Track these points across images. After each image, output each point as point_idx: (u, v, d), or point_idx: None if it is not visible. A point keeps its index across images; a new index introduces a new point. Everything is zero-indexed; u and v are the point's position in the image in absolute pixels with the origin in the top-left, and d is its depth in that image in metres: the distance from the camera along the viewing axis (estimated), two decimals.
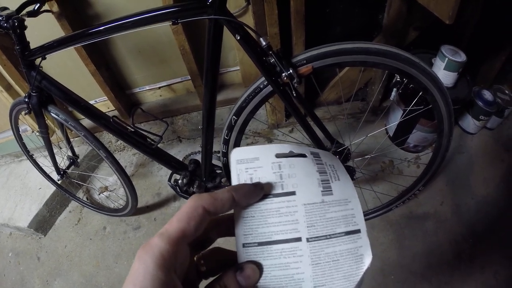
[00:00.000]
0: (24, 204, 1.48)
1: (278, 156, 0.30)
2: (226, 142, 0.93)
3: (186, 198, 0.94)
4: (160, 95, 1.49)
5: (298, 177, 0.29)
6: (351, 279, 0.27)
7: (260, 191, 0.27)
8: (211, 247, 0.30)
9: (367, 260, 0.28)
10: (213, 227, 0.29)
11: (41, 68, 0.99)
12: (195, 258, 0.28)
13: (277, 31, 1.16)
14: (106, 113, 1.03)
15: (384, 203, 1.19)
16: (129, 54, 1.32)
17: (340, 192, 0.30)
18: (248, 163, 0.30)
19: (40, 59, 0.93)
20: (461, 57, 1.17)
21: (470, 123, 1.40)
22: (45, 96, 1.06)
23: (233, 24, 0.72)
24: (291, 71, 0.75)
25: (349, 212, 0.29)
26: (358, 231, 0.29)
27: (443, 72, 1.20)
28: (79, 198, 1.50)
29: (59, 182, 1.38)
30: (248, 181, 0.28)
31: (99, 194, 1.53)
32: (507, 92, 1.39)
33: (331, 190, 0.30)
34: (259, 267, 0.27)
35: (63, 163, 1.33)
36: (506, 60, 1.36)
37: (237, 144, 0.93)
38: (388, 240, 1.21)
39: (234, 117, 0.87)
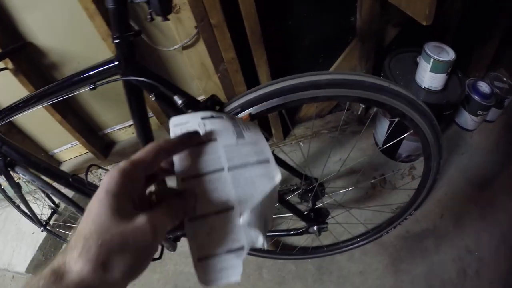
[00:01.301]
0: (20, 250, 1.51)
1: (203, 118, 0.43)
2: None
3: None
4: (133, 133, 1.45)
5: (218, 130, 0.40)
6: (265, 191, 0.36)
7: (193, 137, 0.38)
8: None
9: (277, 178, 0.37)
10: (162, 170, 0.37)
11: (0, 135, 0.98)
12: (147, 192, 0.35)
13: (234, 56, 1.07)
14: (66, 172, 1.01)
15: (372, 229, 1.08)
16: (92, 98, 1.29)
17: (250, 137, 0.42)
18: (182, 125, 0.42)
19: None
20: (449, 55, 1.02)
21: (467, 119, 1.25)
22: (10, 159, 1.06)
23: (143, 83, 0.64)
24: (209, 113, 0.66)
25: (258, 149, 0.40)
26: (267, 160, 0.39)
27: (429, 75, 1.05)
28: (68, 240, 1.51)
29: (48, 230, 1.39)
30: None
31: None
32: (505, 79, 1.22)
33: (243, 136, 0.42)
34: (195, 193, 0.34)
35: (46, 212, 1.34)
36: (500, 42, 1.19)
37: None
38: (383, 265, 1.11)
39: None
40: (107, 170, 0.88)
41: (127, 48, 0.61)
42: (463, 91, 1.09)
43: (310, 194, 0.92)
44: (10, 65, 1.11)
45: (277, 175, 0.37)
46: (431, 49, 1.03)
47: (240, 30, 1.02)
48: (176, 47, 1.07)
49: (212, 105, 0.68)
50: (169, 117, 0.68)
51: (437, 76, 1.05)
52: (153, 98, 0.64)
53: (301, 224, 0.91)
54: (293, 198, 0.99)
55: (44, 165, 1.01)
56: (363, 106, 1.23)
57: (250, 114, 0.70)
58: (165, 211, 0.31)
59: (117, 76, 0.66)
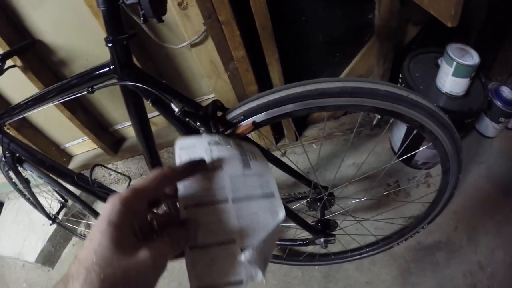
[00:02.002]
0: (31, 240, 1.55)
1: (209, 143, 0.43)
2: None
3: None
4: None
5: (224, 158, 0.40)
6: (268, 227, 0.36)
7: (199, 165, 0.37)
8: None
9: (281, 215, 0.37)
10: (166, 194, 0.36)
11: (8, 131, 0.99)
12: (149, 217, 0.34)
13: (244, 54, 1.02)
14: (72, 170, 1.01)
15: (382, 240, 1.04)
16: (102, 95, 1.28)
17: (256, 167, 0.42)
18: (188, 149, 0.41)
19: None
20: (473, 58, 0.94)
21: (488, 126, 1.17)
22: (18, 156, 1.07)
23: (139, 89, 0.61)
24: (216, 138, 0.62)
25: (264, 181, 0.40)
26: (272, 194, 0.39)
27: (451, 79, 0.98)
28: (79, 234, 1.53)
29: (58, 223, 1.41)
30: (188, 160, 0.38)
31: None
32: None
33: (249, 166, 0.41)
34: (197, 222, 0.34)
35: (54, 206, 1.35)
36: None
37: None
38: (391, 277, 1.07)
39: None
40: (113, 170, 0.87)
41: (121, 52, 0.59)
42: (486, 97, 1.01)
43: (318, 204, 0.88)
44: (18, 62, 1.12)
45: (281, 212, 0.38)
46: (454, 52, 0.95)
47: (250, 27, 0.98)
48: (184, 44, 1.04)
49: (214, 111, 0.64)
50: (168, 121, 0.66)
51: (459, 81, 0.97)
52: (150, 104, 0.61)
53: (308, 233, 0.87)
54: (300, 206, 0.95)
55: (50, 162, 1.02)
56: (379, 116, 1.17)
57: (253, 123, 0.65)
58: (167, 241, 0.31)
59: (114, 80, 0.63)
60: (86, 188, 0.99)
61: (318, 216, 0.87)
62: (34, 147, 1.33)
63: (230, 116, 0.65)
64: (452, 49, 0.96)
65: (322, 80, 0.64)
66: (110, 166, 1.51)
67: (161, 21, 0.55)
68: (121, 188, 1.67)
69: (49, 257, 1.53)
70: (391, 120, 1.21)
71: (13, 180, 1.34)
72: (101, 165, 0.97)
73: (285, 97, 0.64)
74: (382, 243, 1.02)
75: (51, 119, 1.38)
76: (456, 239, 1.08)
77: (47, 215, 1.31)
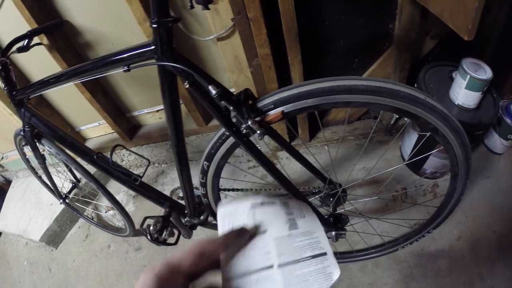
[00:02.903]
0: (37, 219, 1.56)
1: (252, 206, 0.39)
2: (203, 185, 0.87)
3: (158, 245, 0.91)
4: (160, 118, 1.46)
5: (268, 220, 0.37)
6: None
7: (241, 234, 0.34)
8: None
9: (335, 275, 0.34)
10: (207, 265, 0.33)
11: (29, 106, 1.01)
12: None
13: (268, 52, 1.06)
14: (91, 149, 1.03)
15: (388, 242, 1.06)
16: (123, 80, 1.31)
17: (305, 226, 0.38)
18: (230, 217, 0.38)
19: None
20: (486, 73, 0.98)
21: (497, 142, 1.20)
22: (38, 131, 1.09)
23: (179, 70, 0.64)
24: (249, 122, 0.65)
25: (314, 240, 0.37)
26: (324, 253, 0.36)
27: (464, 92, 1.01)
28: (86, 216, 1.54)
29: (67, 203, 1.43)
30: (230, 229, 0.35)
31: (106, 212, 1.57)
32: None
33: (296, 226, 0.38)
34: None
35: (66, 186, 1.37)
36: None
37: (215, 187, 0.87)
38: (393, 280, 1.09)
39: (205, 162, 0.81)
40: (133, 152, 0.89)
41: (164, 34, 0.61)
42: (496, 112, 1.05)
43: (331, 199, 0.90)
44: (45, 40, 1.15)
45: (336, 272, 0.34)
46: (469, 66, 0.99)
47: (275, 26, 1.01)
48: (211, 37, 1.07)
49: (246, 98, 0.68)
50: (202, 105, 0.69)
51: (472, 94, 1.01)
52: (187, 86, 0.64)
53: None
54: (313, 200, 0.98)
55: (70, 140, 1.04)
56: (397, 116, 1.20)
57: (282, 112, 0.69)
58: None
59: (152, 61, 0.65)
60: (104, 167, 1.01)
61: (330, 211, 0.89)
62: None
63: (260, 104, 0.68)
64: (467, 63, 1.00)
65: (349, 78, 0.68)
66: (124, 152, 1.54)
67: (207, 8, 0.59)
68: (138, 171, 1.68)
69: (54, 237, 1.54)
70: (403, 128, 1.25)
71: (26, 157, 1.36)
72: (121, 145, 1.00)
73: (314, 90, 0.67)
74: (388, 245, 1.04)
75: (70, 99, 1.41)
76: (458, 249, 1.10)
77: (59, 194, 1.32)
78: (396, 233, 1.11)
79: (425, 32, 1.13)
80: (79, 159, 1.09)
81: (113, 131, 1.49)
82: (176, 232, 0.95)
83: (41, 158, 1.18)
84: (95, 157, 1.00)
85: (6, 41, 1.13)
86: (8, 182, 1.88)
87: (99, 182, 1.12)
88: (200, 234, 1.32)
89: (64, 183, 1.38)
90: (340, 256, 1.09)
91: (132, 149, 1.50)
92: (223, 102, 0.63)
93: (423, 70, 1.13)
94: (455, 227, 1.14)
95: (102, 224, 1.51)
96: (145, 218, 0.88)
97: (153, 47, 0.63)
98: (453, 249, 1.11)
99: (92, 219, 1.55)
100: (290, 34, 1.03)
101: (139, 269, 1.36)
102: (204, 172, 0.83)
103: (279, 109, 0.68)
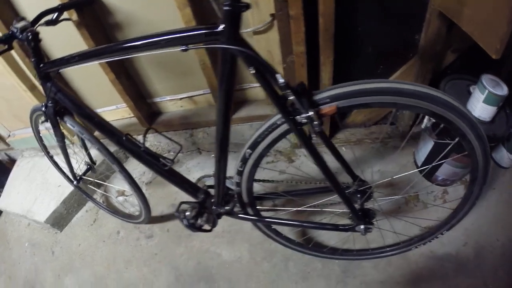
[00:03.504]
0: (43, 199, 1.52)
1: None
2: (240, 173, 0.88)
3: (193, 231, 0.91)
4: (181, 106, 1.46)
5: None
6: None
7: None
8: None
9: None
10: None
11: (55, 80, 0.99)
12: None
13: (304, 50, 1.09)
14: (119, 130, 1.02)
15: (403, 241, 1.12)
16: (150, 65, 1.30)
17: None
18: None
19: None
20: (503, 90, 1.05)
21: (504, 156, 1.27)
22: (61, 107, 1.07)
23: (246, 55, 0.66)
24: (311, 113, 0.68)
25: None
26: None
27: (481, 105, 1.08)
28: (96, 199, 1.52)
29: (78, 186, 1.40)
30: None
31: (116, 198, 1.55)
32: None
33: None
34: None
35: (80, 168, 1.35)
36: None
37: (251, 176, 0.88)
38: (404, 280, 1.14)
39: (248, 150, 0.83)
40: (166, 137, 0.89)
41: (235, 17, 0.62)
42: (509, 127, 1.12)
43: (359, 195, 0.94)
44: (74, 16, 1.12)
45: None
46: (487, 82, 1.06)
47: (311, 26, 1.04)
48: (248, 30, 1.09)
49: (304, 90, 0.70)
50: (264, 90, 0.69)
51: (488, 108, 1.08)
52: (253, 71, 0.66)
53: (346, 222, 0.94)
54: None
55: (98, 119, 1.03)
56: (432, 120, 1.25)
57: (336, 106, 0.72)
58: None
59: (217, 44, 0.65)
60: (132, 149, 1.01)
61: (358, 206, 0.93)
62: None
63: (317, 97, 0.71)
64: (486, 79, 1.06)
65: (397, 81, 0.74)
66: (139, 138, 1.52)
67: None
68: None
69: (59, 219, 1.51)
70: (420, 129, 1.31)
71: (40, 135, 1.33)
72: (153, 128, 1.00)
73: (367, 89, 0.71)
74: (403, 244, 1.09)
75: (89, 80, 1.39)
76: (464, 254, 1.16)
77: (74, 175, 1.30)
78: (409, 233, 1.16)
79: (447, 46, 1.19)
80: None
81: (130, 115, 1.47)
82: (212, 217, 0.95)
83: (61, 136, 1.16)
84: (124, 138, 1.00)
85: (31, 14, 1.11)
86: (12, 161, 1.82)
87: (122, 164, 1.11)
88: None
89: (79, 164, 1.35)
90: (356, 253, 1.13)
91: (150, 135, 1.49)
92: (288, 91, 0.65)
93: (443, 82, 1.19)
94: (462, 233, 1.20)
95: (113, 210, 1.49)
96: (181, 203, 0.89)
97: (220, 30, 0.63)
98: (459, 254, 1.17)
99: (103, 203, 1.52)
100: (326, 35, 1.06)
101: (150, 257, 1.35)
102: (244, 161, 0.85)
103: (334, 104, 0.71)
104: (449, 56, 1.23)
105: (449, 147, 0.99)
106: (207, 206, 0.95)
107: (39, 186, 1.58)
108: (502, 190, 1.27)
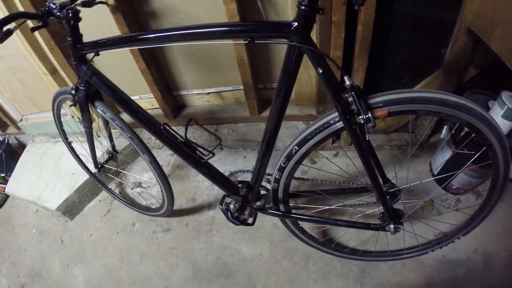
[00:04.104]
0: (55, 186, 1.49)
1: None
2: (281, 169, 0.90)
3: (236, 224, 0.92)
4: (208, 101, 1.46)
5: None
6: None
7: None
8: None
9: None
10: None
11: (92, 63, 0.97)
12: None
13: (341, 55, 1.13)
14: (157, 120, 1.02)
15: (421, 244, 1.16)
16: (181, 56, 1.30)
17: None
18: None
19: (93, 54, 0.92)
20: None
21: None
22: (93, 91, 1.06)
23: (316, 55, 0.68)
24: (369, 114, 0.71)
25: None
26: None
27: (500, 120, 1.14)
28: (112, 190, 1.50)
29: (96, 175, 1.38)
30: None
31: (132, 189, 1.53)
32: None
33: None
34: None
35: (102, 156, 1.33)
36: None
37: (292, 173, 0.91)
38: (418, 282, 1.18)
39: (295, 147, 0.85)
40: (206, 129, 0.90)
41: (310, 18, 0.65)
42: None
43: (388, 197, 0.98)
44: (111, 0, 1.11)
45: None
46: (507, 98, 1.13)
47: (350, 32, 1.08)
48: None
49: (362, 93, 0.73)
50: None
51: (506, 122, 1.14)
52: (320, 71, 0.68)
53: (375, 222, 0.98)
54: (369, 198, 1.05)
55: (135, 106, 1.02)
56: (466, 129, 1.31)
57: (388, 112, 0.76)
58: None
59: (285, 40, 0.68)
60: (169, 140, 1.00)
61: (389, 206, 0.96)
62: None
63: (372, 100, 0.75)
64: (505, 96, 1.13)
65: (441, 93, 0.79)
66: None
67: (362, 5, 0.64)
68: (163, 154, 1.65)
69: (71, 207, 1.47)
70: (438, 139, 1.37)
71: (61, 119, 1.30)
72: (194, 120, 1.00)
73: (417, 98, 0.76)
74: (421, 246, 1.14)
75: (116, 68, 1.37)
76: (474, 261, 1.22)
77: (95, 162, 1.28)
78: (426, 237, 1.21)
79: (470, 61, 1.25)
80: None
81: (154, 106, 1.47)
82: (253, 213, 0.97)
83: (89, 122, 1.14)
84: (162, 128, 0.99)
85: None
86: (22, 146, 1.76)
87: (152, 154, 1.11)
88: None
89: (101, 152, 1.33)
90: (376, 254, 1.17)
91: (173, 128, 1.48)
92: (352, 93, 0.68)
93: (464, 96, 1.25)
94: (472, 240, 1.26)
95: (130, 201, 1.47)
96: (224, 196, 0.89)
97: (294, 28, 0.65)
98: (469, 260, 1.22)
99: (119, 194, 1.50)
100: (364, 43, 1.10)
101: (167, 251, 1.34)
102: (289, 157, 0.87)
103: (386, 108, 0.75)
104: (470, 71, 1.29)
105: (475, 157, 1.05)
106: (249, 200, 0.96)
107: (50, 172, 1.54)
108: (511, 202, 1.35)
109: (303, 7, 0.63)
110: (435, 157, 1.38)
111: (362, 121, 0.72)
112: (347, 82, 0.67)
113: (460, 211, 1.31)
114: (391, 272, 1.20)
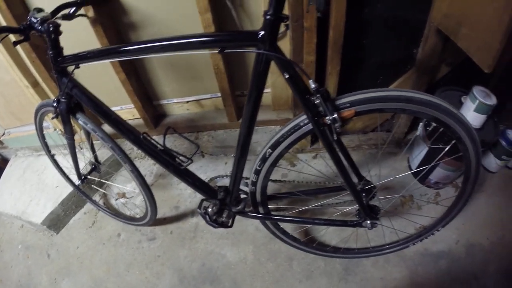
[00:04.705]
0: (39, 200, 1.48)
1: None
2: (257, 172, 0.92)
3: (215, 227, 0.94)
4: (187, 109, 1.48)
5: None
6: None
7: None
8: None
9: None
10: None
11: (73, 76, 0.99)
12: None
13: (313, 60, 1.16)
14: (137, 129, 1.03)
15: (401, 239, 1.19)
16: (160, 66, 1.32)
17: None
18: None
19: (73, 67, 0.93)
20: (492, 100, 1.16)
21: (491, 162, 1.39)
22: (74, 103, 1.07)
23: (282, 62, 0.71)
24: (335, 115, 0.74)
25: None
26: None
27: (472, 114, 1.19)
28: (96, 201, 1.50)
29: (79, 187, 1.38)
30: None
31: (116, 200, 1.53)
32: None
33: None
34: None
35: (84, 168, 1.33)
36: None
37: (268, 175, 0.93)
38: (401, 276, 1.21)
39: (269, 150, 0.87)
40: (184, 137, 0.92)
41: (275, 27, 0.68)
42: (497, 133, 1.24)
43: (364, 194, 1.00)
44: (91, 12, 1.13)
45: None
46: (478, 92, 1.17)
47: (322, 37, 1.11)
48: None
49: (328, 95, 0.76)
50: (295, 95, 0.74)
51: (478, 116, 1.19)
52: (287, 76, 0.71)
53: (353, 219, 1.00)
54: (346, 196, 1.07)
55: (115, 116, 1.03)
56: (430, 126, 1.34)
57: (355, 111, 0.79)
58: None
59: (253, 48, 0.71)
60: (148, 149, 1.02)
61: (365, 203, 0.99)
62: None
63: (339, 101, 0.78)
64: (477, 90, 1.18)
65: (407, 90, 0.82)
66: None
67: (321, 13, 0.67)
68: (146, 163, 1.66)
69: (56, 221, 1.47)
70: (413, 136, 1.41)
71: (43, 132, 1.31)
72: (172, 128, 1.03)
73: (382, 97, 0.79)
74: (401, 241, 1.16)
75: (96, 79, 1.38)
76: (456, 251, 1.25)
77: (79, 174, 1.28)
78: (407, 232, 1.24)
79: (442, 60, 1.30)
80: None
81: (135, 117, 1.48)
82: (231, 216, 0.98)
83: (71, 134, 1.15)
84: (141, 137, 1.01)
85: (37, 5, 1.09)
86: (5, 161, 1.75)
87: (133, 163, 1.12)
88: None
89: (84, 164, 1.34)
90: (358, 251, 1.19)
91: (154, 137, 1.49)
92: (318, 95, 0.71)
93: (437, 93, 1.30)
94: (453, 232, 1.30)
95: (114, 211, 1.47)
96: (202, 200, 0.91)
97: (260, 36, 0.68)
98: (452, 251, 1.26)
99: (103, 205, 1.50)
100: (335, 47, 1.14)
101: (153, 259, 1.34)
102: (264, 160, 0.89)
103: (353, 108, 0.78)
104: (442, 69, 1.34)
105: (445, 150, 1.09)
106: (227, 204, 0.98)
107: (34, 186, 1.54)
108: (490, 193, 1.39)
109: (268, 17, 0.66)
110: (413, 153, 1.41)
111: (329, 122, 0.75)
112: (313, 86, 0.70)
113: (439, 204, 1.35)
114: (374, 267, 1.22)
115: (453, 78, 1.35)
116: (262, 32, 0.68)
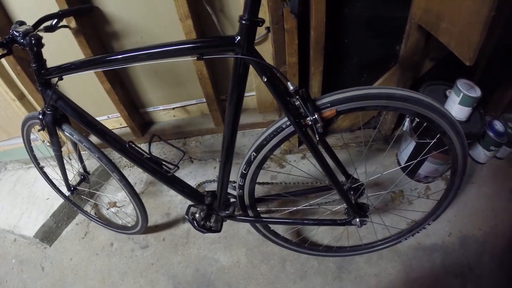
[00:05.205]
0: (30, 213, 1.47)
1: None
2: (243, 176, 0.93)
3: (203, 232, 0.94)
4: (174, 116, 1.48)
5: None
6: None
7: None
8: None
9: None
10: None
11: (57, 87, 0.99)
12: None
13: (296, 61, 1.16)
14: (122, 138, 1.03)
15: (393, 234, 1.20)
16: (145, 74, 1.32)
17: None
18: None
19: (56, 78, 0.93)
20: (476, 92, 1.17)
21: (480, 153, 1.40)
22: (59, 115, 1.06)
23: (260, 65, 0.72)
24: (316, 116, 0.75)
25: None
26: None
27: (457, 107, 1.20)
28: (87, 212, 1.49)
29: (70, 198, 1.37)
30: None
31: (107, 209, 1.52)
32: None
33: None
34: None
35: (74, 178, 1.33)
36: None
37: (254, 178, 0.93)
38: (396, 271, 1.21)
39: (253, 153, 0.87)
40: (170, 144, 0.92)
41: (251, 31, 0.68)
42: (483, 125, 1.25)
43: (352, 192, 1.01)
44: (72, 24, 1.13)
45: None
46: (462, 85, 1.18)
47: (304, 38, 1.12)
48: None
49: (308, 96, 0.76)
50: (275, 97, 0.74)
51: (464, 108, 1.20)
52: (265, 79, 0.71)
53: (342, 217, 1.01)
54: (334, 195, 1.08)
55: (100, 126, 1.03)
56: (415, 121, 1.35)
57: (336, 111, 0.79)
58: None
59: (231, 53, 0.71)
60: (135, 157, 1.02)
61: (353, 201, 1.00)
62: None
63: (319, 102, 0.78)
64: (461, 83, 1.19)
65: (388, 87, 0.82)
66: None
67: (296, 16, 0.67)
68: (136, 171, 1.65)
69: (48, 233, 1.46)
70: (400, 132, 1.42)
71: (31, 145, 1.30)
72: (158, 135, 1.02)
73: (364, 95, 0.80)
74: (393, 236, 1.17)
75: (81, 89, 1.38)
76: (449, 243, 1.26)
77: (68, 186, 1.28)
78: (399, 227, 1.25)
79: (425, 55, 1.31)
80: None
81: (122, 125, 1.48)
82: (220, 220, 0.98)
83: (58, 145, 1.14)
84: (127, 146, 1.00)
85: (20, 17, 1.09)
86: None
87: (122, 173, 1.12)
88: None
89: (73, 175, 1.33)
90: (350, 249, 1.19)
91: (141, 145, 1.49)
92: (297, 97, 0.71)
93: (422, 88, 1.31)
94: (446, 225, 1.31)
95: (106, 221, 1.47)
96: (190, 206, 0.91)
97: (237, 41, 0.68)
98: (445, 244, 1.26)
99: (94, 215, 1.50)
100: (317, 47, 1.14)
101: (147, 267, 1.34)
102: (249, 163, 0.89)
103: (334, 108, 0.79)
104: (426, 64, 1.35)
105: (431, 144, 1.09)
106: (214, 208, 0.98)
107: (25, 199, 1.53)
108: (480, 184, 1.40)
109: (243, 21, 0.67)
110: (400, 148, 1.42)
111: (310, 123, 0.75)
112: (291, 87, 0.71)
113: (430, 198, 1.36)
114: (368, 264, 1.22)
115: (438, 72, 1.36)
116: (239, 37, 0.69)
